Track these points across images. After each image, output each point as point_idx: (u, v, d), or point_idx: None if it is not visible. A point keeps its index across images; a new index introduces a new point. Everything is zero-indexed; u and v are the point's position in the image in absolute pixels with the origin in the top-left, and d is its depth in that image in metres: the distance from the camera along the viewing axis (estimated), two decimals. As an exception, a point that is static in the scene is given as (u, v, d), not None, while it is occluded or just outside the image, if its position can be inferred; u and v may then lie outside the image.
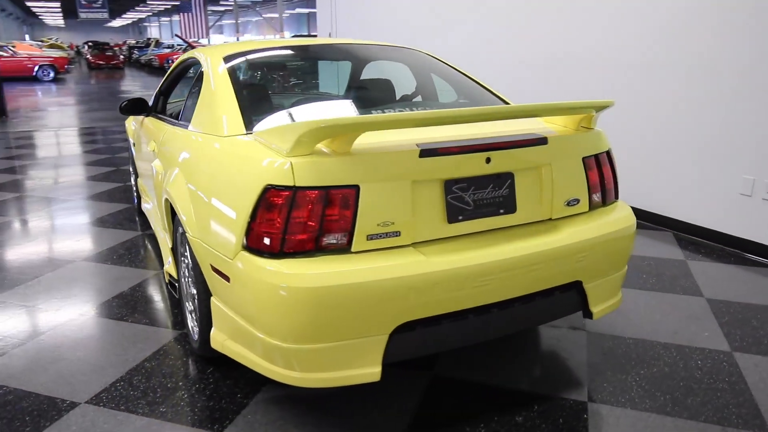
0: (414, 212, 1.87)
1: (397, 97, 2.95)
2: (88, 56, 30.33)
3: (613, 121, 4.49)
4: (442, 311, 1.87)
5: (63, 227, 4.29)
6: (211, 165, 2.13)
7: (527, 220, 2.09)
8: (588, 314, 2.21)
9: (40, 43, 36.61)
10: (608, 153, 2.28)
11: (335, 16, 9.12)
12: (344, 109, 2.70)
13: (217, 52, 2.75)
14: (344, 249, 1.79)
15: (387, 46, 3.20)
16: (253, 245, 1.79)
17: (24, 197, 5.15)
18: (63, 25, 70.77)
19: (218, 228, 1.95)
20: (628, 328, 2.76)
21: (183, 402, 2.17)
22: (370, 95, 2.91)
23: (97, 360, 2.46)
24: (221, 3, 47.00)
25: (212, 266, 2.01)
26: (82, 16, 27.12)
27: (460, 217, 1.96)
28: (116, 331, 2.72)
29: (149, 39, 45.61)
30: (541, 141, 2.03)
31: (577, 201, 2.17)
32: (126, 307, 2.98)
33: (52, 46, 32.86)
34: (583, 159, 2.18)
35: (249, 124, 2.21)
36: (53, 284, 3.24)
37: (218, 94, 2.40)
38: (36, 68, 20.24)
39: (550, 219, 2.13)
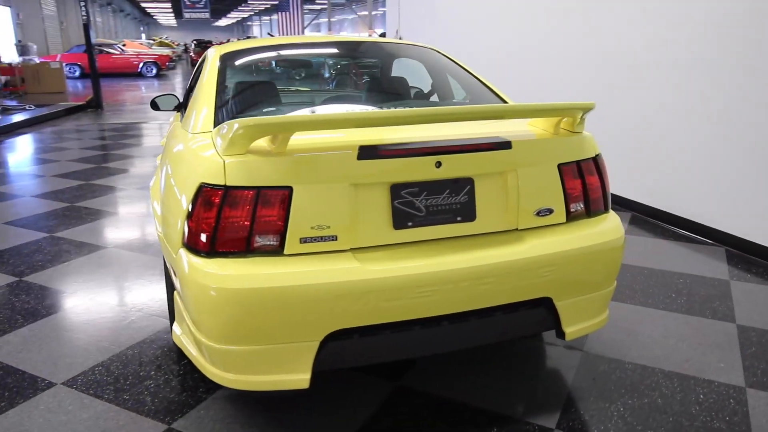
0: (354, 216, 1.79)
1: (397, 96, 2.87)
2: (192, 53, 32.24)
3: (663, 125, 4.13)
4: (382, 320, 1.79)
5: (114, 215, 4.57)
6: (174, 162, 2.16)
7: (489, 229, 1.95)
8: (560, 334, 2.03)
9: (151, 41, 39.44)
10: (595, 159, 2.07)
11: (400, 14, 9.09)
12: (328, 109, 2.64)
13: (219, 50, 2.79)
14: (277, 251, 1.75)
15: (394, 43, 3.11)
16: (189, 243, 1.79)
17: (87, 186, 5.54)
18: (175, 25, 75.66)
19: (170, 224, 1.98)
20: (633, 352, 2.52)
21: (147, 391, 2.23)
22: (365, 94, 2.85)
23: (88, 343, 2.59)
24: (317, 2, 48.30)
25: (167, 262, 2.04)
26: (186, 15, 28.87)
27: (410, 224, 1.85)
28: (117, 316, 2.85)
29: (248, 37, 47.77)
30: (503, 145, 1.88)
31: (550, 211, 1.99)
32: (139, 295, 3.11)
33: (161, 44, 35.28)
34: (560, 166, 1.99)
35: (218, 123, 2.21)
36: (82, 268, 3.45)
37: (202, 91, 2.43)
38: (141, 65, 21.76)
39: (516, 229, 1.98)
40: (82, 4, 10.80)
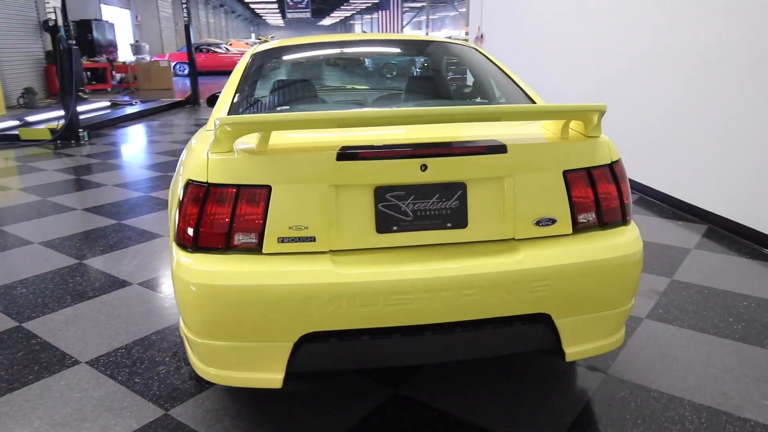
0: (335, 218, 1.75)
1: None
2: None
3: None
4: (358, 326, 1.74)
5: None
6: (184, 158, 2.23)
7: (481, 237, 1.84)
8: (560, 354, 1.88)
9: (257, 41, 41.36)
10: (612, 167, 1.90)
11: (482, 13, 8.89)
12: (340, 107, 2.62)
13: (255, 48, 2.86)
14: (256, 250, 1.75)
15: (430, 41, 3.02)
16: (177, 238, 1.84)
17: (164, 177, 5.90)
18: (282, 25, 78.85)
19: (170, 219, 2.05)
20: (663, 379, 2.29)
21: (157, 377, 2.33)
22: (389, 92, 2.80)
23: (119, 326, 2.75)
24: (418, 0, 48.36)
25: None
26: (289, 15, 29.96)
27: (395, 228, 1.79)
28: (152, 302, 3.01)
29: (349, 35, 48.67)
30: (498, 149, 1.77)
31: (552, 221, 1.84)
32: (174, 282, 3.26)
33: (265, 43, 36.93)
34: (566, 173, 1.84)
35: None
36: (138, 254, 3.68)
37: (225, 88, 2.49)
38: (243, 63, 22.91)
39: (513, 239, 1.85)
40: (184, 6, 11.51)
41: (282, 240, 1.74)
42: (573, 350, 1.87)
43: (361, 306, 1.70)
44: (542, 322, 1.83)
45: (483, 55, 2.85)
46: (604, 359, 2.41)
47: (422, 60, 3.37)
